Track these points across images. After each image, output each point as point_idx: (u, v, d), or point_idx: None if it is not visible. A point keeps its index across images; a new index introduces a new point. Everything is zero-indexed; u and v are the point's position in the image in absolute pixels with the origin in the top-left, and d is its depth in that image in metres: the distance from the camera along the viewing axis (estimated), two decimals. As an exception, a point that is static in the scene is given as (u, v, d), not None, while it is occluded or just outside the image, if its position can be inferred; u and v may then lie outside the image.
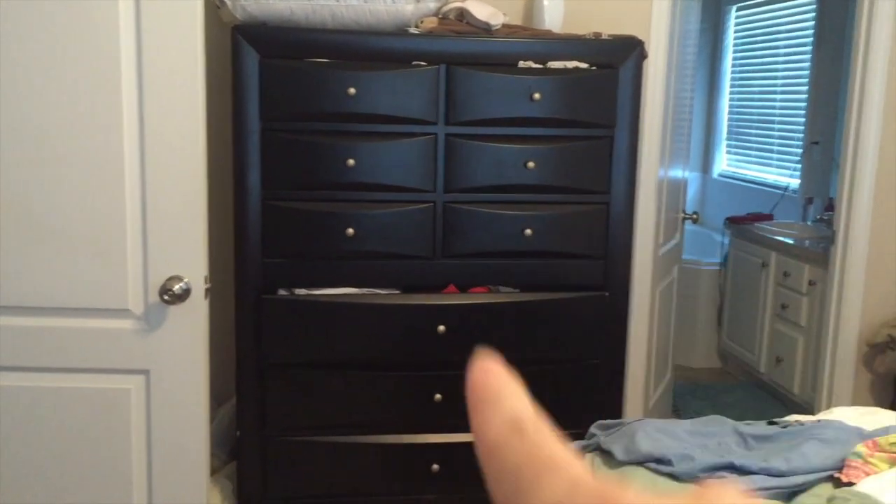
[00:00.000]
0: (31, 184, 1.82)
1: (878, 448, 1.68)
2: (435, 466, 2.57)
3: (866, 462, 1.62)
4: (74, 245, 1.85)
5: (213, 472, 2.67)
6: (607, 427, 1.98)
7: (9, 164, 1.81)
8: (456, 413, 2.55)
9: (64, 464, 1.95)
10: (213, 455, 2.65)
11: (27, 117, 1.80)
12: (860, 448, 1.67)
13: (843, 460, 1.65)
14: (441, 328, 2.49)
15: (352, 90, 2.37)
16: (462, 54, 2.44)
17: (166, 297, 1.84)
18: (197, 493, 2.00)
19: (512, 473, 0.25)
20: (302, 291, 2.50)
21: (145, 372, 1.92)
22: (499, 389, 0.27)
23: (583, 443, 1.96)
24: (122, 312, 1.89)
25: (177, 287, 1.84)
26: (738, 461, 1.67)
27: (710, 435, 1.83)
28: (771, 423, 1.94)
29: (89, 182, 1.83)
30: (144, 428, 1.96)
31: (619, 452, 1.77)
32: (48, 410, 1.92)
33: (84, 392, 1.92)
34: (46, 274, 1.85)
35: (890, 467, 1.61)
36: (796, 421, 1.94)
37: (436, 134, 2.46)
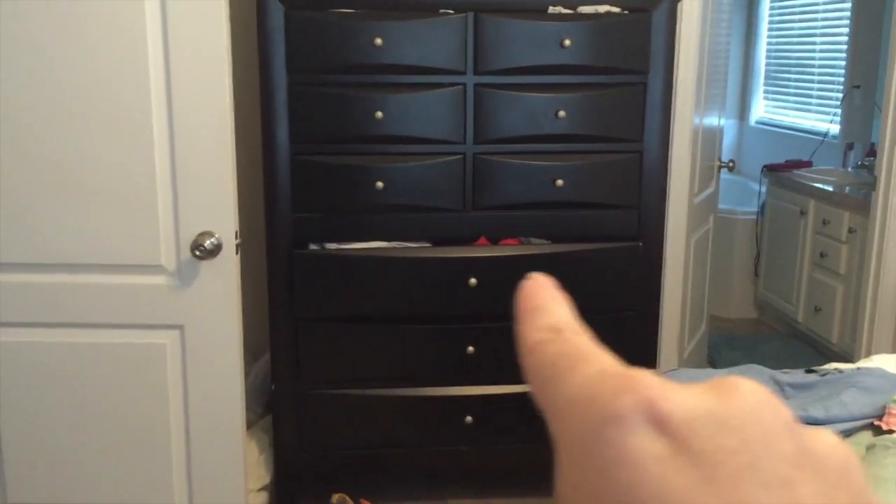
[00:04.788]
0: (62, 142, 1.82)
1: (920, 396, 1.64)
2: (468, 418, 2.58)
3: (907, 410, 1.59)
4: (106, 203, 1.86)
5: (250, 425, 2.71)
6: (641, 377, 1.96)
7: (40, 124, 1.81)
8: (489, 365, 2.55)
9: (102, 418, 1.98)
10: (248, 409, 2.68)
11: (56, 76, 1.79)
12: (901, 396, 1.64)
13: (884, 408, 1.62)
14: (472, 281, 2.48)
15: (378, 41, 2.33)
16: (490, 1, 2.39)
17: (198, 253, 1.85)
18: (234, 446, 2.03)
19: (548, 366, 0.26)
20: (332, 246, 2.49)
21: (180, 327, 1.94)
22: (547, 301, 0.28)
23: (616, 393, 1.94)
24: (155, 268, 1.90)
25: (208, 242, 1.84)
26: (774, 410, 1.64)
27: (747, 384, 1.80)
28: (809, 371, 1.91)
29: (119, 140, 1.83)
30: (181, 382, 1.98)
31: (653, 402, 1.75)
32: (86, 365, 1.95)
33: (120, 347, 1.95)
34: (80, 231, 1.87)
35: (932, 415, 1.58)
36: (835, 369, 1.90)
37: (464, 84, 2.42)
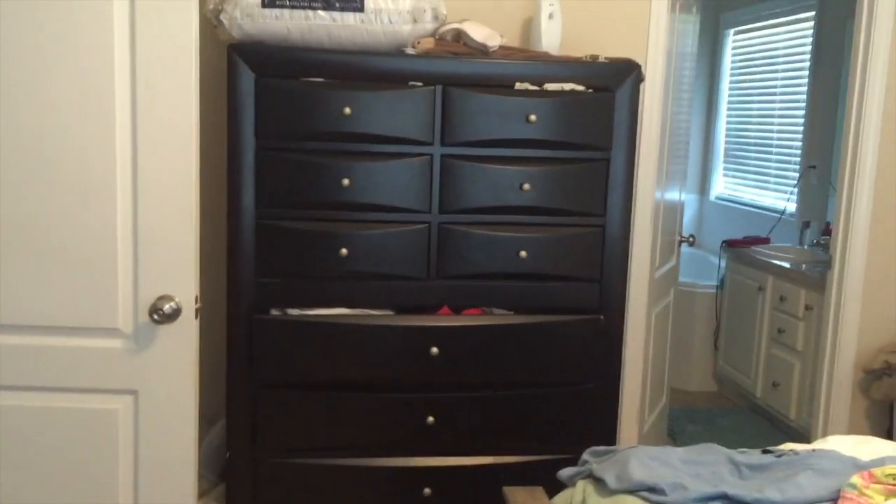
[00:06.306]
0: (20, 200, 1.80)
1: (874, 479, 1.66)
2: (426, 490, 2.54)
3: (861, 494, 1.60)
4: (64, 263, 1.83)
5: (202, 494, 2.64)
6: (600, 454, 1.96)
7: (-1, 181, 1.79)
8: (449, 436, 2.53)
9: (50, 484, 1.92)
10: (202, 477, 2.62)
11: (17, 133, 1.78)
12: (855, 479, 1.65)
13: (839, 491, 1.62)
14: (434, 350, 2.47)
15: (347, 110, 2.36)
16: (459, 75, 2.44)
17: (156, 317, 1.82)
18: (184, 516, 1.97)
19: None
20: (295, 311, 2.48)
21: (134, 392, 1.90)
22: None
23: (575, 470, 1.93)
24: (112, 332, 1.86)
25: (167, 307, 1.82)
26: (731, 491, 1.64)
27: (704, 463, 1.80)
28: (766, 451, 1.92)
29: (80, 200, 1.81)
30: (132, 449, 1.93)
31: (611, 480, 1.75)
32: (35, 430, 1.89)
33: (71, 412, 1.90)
34: (35, 292, 1.83)
35: (885, 500, 1.59)
36: (791, 450, 1.91)
37: (431, 155, 2.45)
